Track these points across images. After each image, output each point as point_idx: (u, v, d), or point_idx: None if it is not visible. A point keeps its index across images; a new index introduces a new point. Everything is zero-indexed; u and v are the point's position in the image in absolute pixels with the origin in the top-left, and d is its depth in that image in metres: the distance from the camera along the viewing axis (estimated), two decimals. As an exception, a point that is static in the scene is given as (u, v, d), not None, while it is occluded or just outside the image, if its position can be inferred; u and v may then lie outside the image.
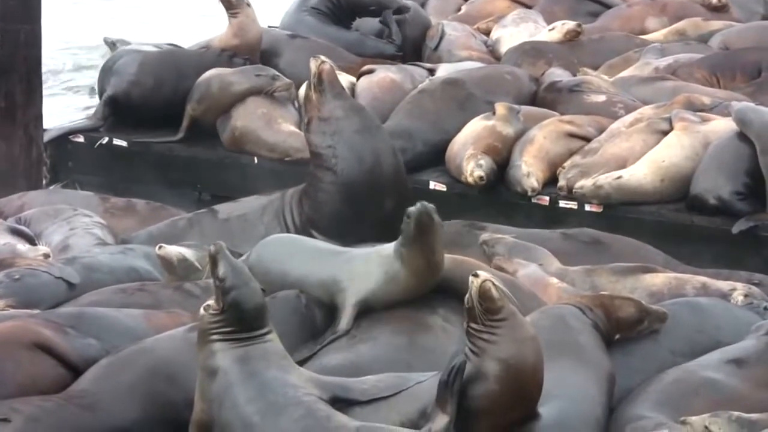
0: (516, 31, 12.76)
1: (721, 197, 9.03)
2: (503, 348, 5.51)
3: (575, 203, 9.36)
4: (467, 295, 5.53)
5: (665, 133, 9.49)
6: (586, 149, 9.69)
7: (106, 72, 11.43)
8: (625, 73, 11.44)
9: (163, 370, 5.98)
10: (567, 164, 9.59)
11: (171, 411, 5.90)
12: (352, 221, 8.17)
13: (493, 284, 5.50)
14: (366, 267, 6.58)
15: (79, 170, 10.96)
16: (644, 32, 13.01)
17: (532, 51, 11.96)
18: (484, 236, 7.88)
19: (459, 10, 14.28)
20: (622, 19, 13.38)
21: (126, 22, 18.90)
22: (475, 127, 9.86)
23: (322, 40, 11.94)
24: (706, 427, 5.49)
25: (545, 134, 9.73)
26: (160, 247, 7.36)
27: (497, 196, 9.61)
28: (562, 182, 9.49)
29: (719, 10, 13.33)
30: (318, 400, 5.49)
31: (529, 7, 13.79)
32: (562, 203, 9.43)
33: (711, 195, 9.06)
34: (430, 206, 6.42)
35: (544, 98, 10.75)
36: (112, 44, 14.54)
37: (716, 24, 12.80)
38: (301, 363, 6.00)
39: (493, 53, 12.57)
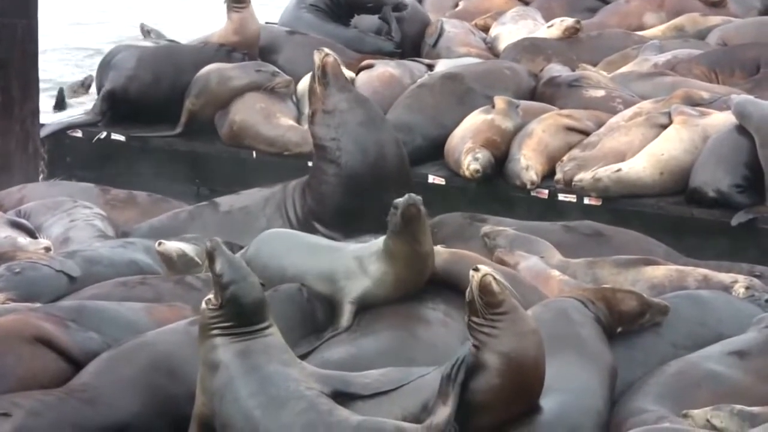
0: (515, 28, 12.75)
1: (720, 190, 9.03)
2: (505, 341, 5.51)
3: (574, 196, 9.36)
4: (468, 289, 5.54)
5: (664, 127, 9.49)
6: (585, 143, 9.69)
7: (105, 67, 11.41)
8: (623, 69, 11.44)
9: (165, 363, 5.98)
10: (565, 158, 9.59)
11: (172, 405, 5.89)
12: (356, 213, 8.17)
13: (494, 278, 5.50)
14: (359, 263, 6.59)
15: (77, 165, 10.93)
16: (642, 28, 13.02)
17: (530, 47, 11.96)
18: (486, 229, 7.88)
19: (456, 6, 14.28)
20: (620, 15, 13.39)
21: (157, 13, 18.92)
22: (474, 120, 9.86)
23: (321, 37, 11.93)
24: (707, 421, 5.50)
25: (544, 128, 9.74)
26: (160, 244, 7.34)
27: (496, 190, 9.62)
28: (559, 175, 9.49)
29: (717, 6, 13.37)
30: (320, 394, 5.49)
31: (526, 3, 13.79)
32: (561, 196, 9.44)
33: (710, 188, 9.07)
34: (417, 198, 6.43)
35: (543, 93, 10.77)
36: (147, 32, 14.54)
37: (714, 19, 12.80)
38: (303, 357, 6.00)
39: (491, 50, 12.57)
